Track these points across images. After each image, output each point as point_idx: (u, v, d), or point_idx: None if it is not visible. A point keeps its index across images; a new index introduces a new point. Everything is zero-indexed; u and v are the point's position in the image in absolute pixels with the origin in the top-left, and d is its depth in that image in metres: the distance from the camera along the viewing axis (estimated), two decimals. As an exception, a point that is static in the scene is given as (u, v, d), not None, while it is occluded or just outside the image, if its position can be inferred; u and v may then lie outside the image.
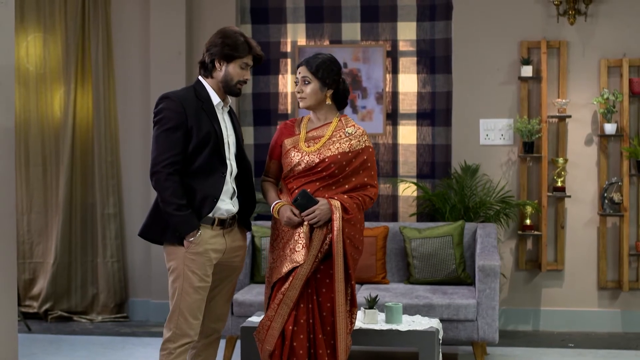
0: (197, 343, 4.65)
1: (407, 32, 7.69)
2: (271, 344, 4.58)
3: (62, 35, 7.86)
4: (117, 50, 7.90)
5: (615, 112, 7.32)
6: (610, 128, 7.31)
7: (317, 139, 4.70)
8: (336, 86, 4.74)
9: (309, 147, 4.68)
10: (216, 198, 4.43)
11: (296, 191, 4.63)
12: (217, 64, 4.51)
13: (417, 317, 5.79)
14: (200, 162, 4.40)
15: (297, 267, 4.56)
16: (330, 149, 4.65)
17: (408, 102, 7.69)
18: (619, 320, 7.49)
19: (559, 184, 7.38)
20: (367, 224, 6.69)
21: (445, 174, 7.58)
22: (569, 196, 7.42)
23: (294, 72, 7.77)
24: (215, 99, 4.52)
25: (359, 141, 4.71)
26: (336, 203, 4.58)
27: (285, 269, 4.58)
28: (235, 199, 4.58)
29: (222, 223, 4.50)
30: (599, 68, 7.42)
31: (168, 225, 4.42)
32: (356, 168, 4.68)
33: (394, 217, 7.67)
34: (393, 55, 7.67)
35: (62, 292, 7.92)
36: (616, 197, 7.32)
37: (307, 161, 4.64)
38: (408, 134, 7.66)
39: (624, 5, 7.41)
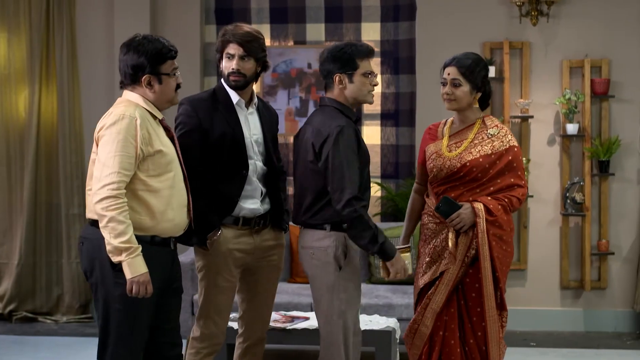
0: (241, 344, 4.66)
1: (371, 33, 7.73)
2: (419, 348, 4.54)
3: (26, 35, 7.84)
4: (82, 51, 7.88)
5: (577, 112, 7.37)
6: (572, 128, 7.36)
7: (460, 143, 4.54)
8: (484, 88, 4.61)
9: (450, 151, 4.52)
10: (236, 197, 4.40)
11: (441, 196, 4.50)
12: (219, 64, 4.50)
13: (375, 317, 5.82)
14: (218, 163, 4.37)
15: (444, 272, 4.48)
16: (471, 153, 4.48)
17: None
18: (581, 319, 7.54)
19: (522, 184, 7.42)
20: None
21: (409, 174, 7.60)
22: (532, 196, 7.47)
23: (258, 73, 7.78)
24: (235, 97, 4.46)
25: (502, 142, 4.52)
26: (479, 205, 4.42)
27: (433, 274, 4.51)
28: (266, 199, 4.52)
29: (249, 222, 4.46)
30: (561, 69, 7.47)
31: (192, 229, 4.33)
32: (501, 170, 4.49)
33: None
34: (357, 56, 7.68)
35: (27, 292, 7.90)
36: (578, 197, 7.37)
37: (449, 166, 4.49)
38: (372, 134, 7.70)
39: (586, 7, 7.46)
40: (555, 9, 7.42)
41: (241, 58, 4.41)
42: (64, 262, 7.90)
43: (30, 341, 7.18)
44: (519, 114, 7.46)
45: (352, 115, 4.40)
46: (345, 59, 4.35)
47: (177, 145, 4.15)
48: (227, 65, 4.42)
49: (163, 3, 7.81)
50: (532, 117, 7.45)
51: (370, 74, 4.38)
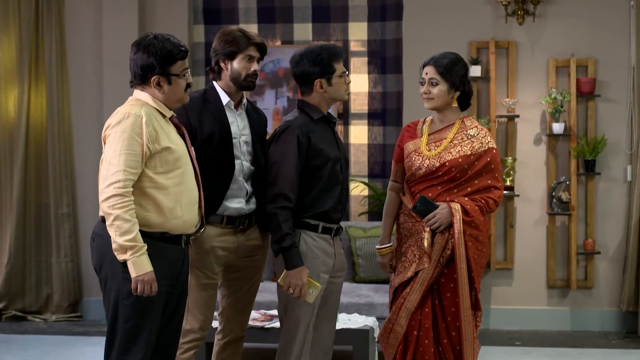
0: (220, 341, 4.70)
1: (358, 33, 7.76)
2: (394, 347, 4.56)
3: (15, 35, 7.89)
4: (71, 50, 7.93)
5: (563, 111, 7.38)
6: (558, 128, 7.37)
7: (439, 142, 4.55)
8: (463, 87, 4.60)
9: (429, 150, 4.53)
10: (222, 196, 4.42)
11: (417, 195, 4.51)
12: (222, 65, 4.49)
13: (355, 316, 5.84)
14: (205, 161, 4.37)
15: (419, 271, 4.49)
16: (451, 153, 4.50)
17: (359, 102, 7.74)
18: (568, 318, 7.55)
19: (508, 183, 7.42)
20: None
21: (396, 173, 7.61)
22: (518, 195, 7.48)
23: (246, 73, 7.81)
24: (225, 98, 4.48)
25: (482, 143, 4.53)
26: (456, 206, 4.43)
27: (408, 274, 4.52)
28: (252, 199, 4.53)
29: (233, 221, 4.47)
30: (547, 68, 7.48)
31: None
32: (479, 171, 4.51)
33: (345, 217, 7.70)
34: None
35: (16, 291, 7.94)
36: (564, 196, 7.37)
37: (428, 165, 4.50)
38: (359, 134, 7.72)
39: (572, 6, 7.47)
40: (541, 8, 7.44)
41: (257, 61, 4.49)
42: (54, 261, 7.93)
43: (19, 340, 7.22)
44: (505, 114, 7.47)
45: (316, 115, 4.44)
46: (323, 63, 4.40)
47: (189, 142, 4.15)
48: (247, 67, 4.45)
49: (151, 3, 7.84)
50: (518, 116, 7.46)
51: (344, 73, 4.46)
